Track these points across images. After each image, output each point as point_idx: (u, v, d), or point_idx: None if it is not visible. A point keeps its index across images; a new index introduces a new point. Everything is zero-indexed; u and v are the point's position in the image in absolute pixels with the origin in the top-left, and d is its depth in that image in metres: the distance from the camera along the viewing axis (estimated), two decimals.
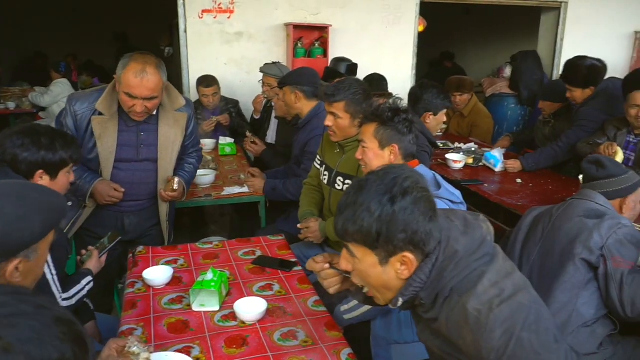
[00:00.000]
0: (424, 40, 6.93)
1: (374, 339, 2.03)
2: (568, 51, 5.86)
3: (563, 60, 5.83)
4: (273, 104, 3.76)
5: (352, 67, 4.34)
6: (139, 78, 2.15)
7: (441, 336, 1.25)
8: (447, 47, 8.38)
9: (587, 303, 1.88)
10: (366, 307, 1.90)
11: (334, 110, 2.44)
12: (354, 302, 1.94)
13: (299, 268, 2.16)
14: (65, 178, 1.90)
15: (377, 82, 3.90)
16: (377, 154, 1.99)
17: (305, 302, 1.89)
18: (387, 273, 1.19)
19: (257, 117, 4.23)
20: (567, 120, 3.73)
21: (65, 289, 1.81)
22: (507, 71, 5.73)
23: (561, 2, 5.74)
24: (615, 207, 1.98)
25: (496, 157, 3.58)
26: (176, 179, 2.46)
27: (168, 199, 2.50)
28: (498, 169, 3.55)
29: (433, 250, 1.19)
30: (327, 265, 1.41)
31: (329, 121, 2.46)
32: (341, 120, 2.44)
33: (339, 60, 4.43)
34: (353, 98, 2.41)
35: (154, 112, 2.38)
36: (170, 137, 2.44)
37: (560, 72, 5.61)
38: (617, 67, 5.09)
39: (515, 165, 3.55)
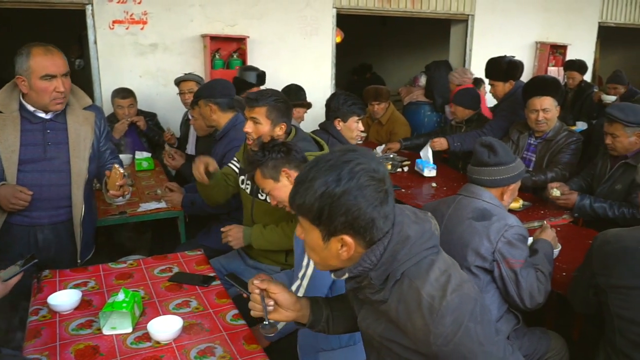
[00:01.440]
0: (343, 51, 7.09)
1: (300, 348, 2.02)
2: (476, 60, 6.21)
3: (473, 69, 6.18)
4: (191, 125, 3.67)
5: (262, 76, 4.31)
6: (49, 55, 2.18)
7: (385, 321, 1.25)
8: (366, 58, 8.62)
9: (490, 304, 1.96)
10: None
11: (255, 115, 2.42)
12: None
13: (218, 282, 2.11)
14: None
15: (294, 92, 3.94)
16: (278, 188, 2.01)
17: (223, 317, 1.86)
18: (328, 250, 1.20)
19: (174, 145, 4.15)
20: (478, 127, 3.96)
21: None
22: (422, 80, 5.97)
23: (468, 15, 6.08)
24: (496, 195, 2.04)
25: (426, 160, 3.72)
26: (116, 165, 2.33)
27: (119, 193, 2.33)
28: (430, 170, 3.68)
29: (383, 235, 1.19)
30: (257, 291, 1.40)
31: (248, 127, 2.44)
32: (261, 126, 2.43)
33: (246, 69, 4.37)
34: (275, 104, 2.42)
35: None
36: (81, 134, 2.35)
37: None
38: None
39: (442, 141, 3.80)
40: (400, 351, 1.24)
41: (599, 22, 7.06)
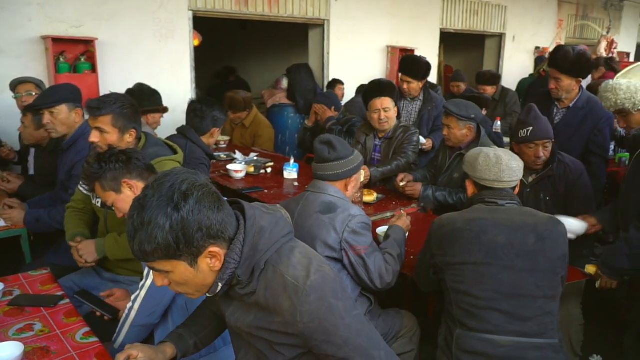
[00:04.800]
0: (205, 54, 6.96)
1: None
2: (334, 63, 6.50)
3: (331, 71, 6.48)
4: (20, 131, 3.33)
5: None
6: None
7: (255, 311, 1.30)
8: (229, 61, 8.55)
9: None
10: (126, 329, 1.83)
11: (100, 125, 2.30)
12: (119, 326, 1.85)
13: (67, 301, 1.97)
14: None
15: (148, 96, 3.71)
16: (121, 199, 1.95)
17: (72, 337, 1.75)
18: (201, 271, 1.21)
19: (14, 160, 3.77)
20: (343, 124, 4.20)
21: None
22: (284, 83, 6.08)
23: (324, 20, 6.32)
24: (340, 187, 2.17)
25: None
26: None
27: None
28: (290, 172, 3.73)
29: (236, 231, 1.24)
30: None
31: (94, 137, 2.31)
32: (108, 135, 2.32)
33: (142, 86, 4.21)
34: (121, 112, 2.32)
35: None
36: None
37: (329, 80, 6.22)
38: (375, 76, 5.77)
39: None
40: (270, 337, 1.30)
41: (441, 28, 7.77)
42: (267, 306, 1.27)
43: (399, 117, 3.93)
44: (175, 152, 2.47)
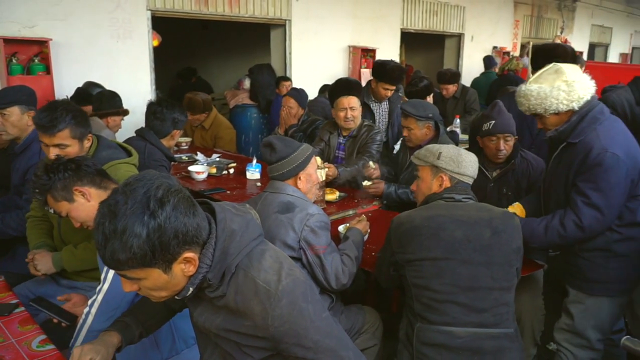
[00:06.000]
0: (166, 55, 6.86)
1: None
2: (297, 63, 6.51)
3: (294, 71, 6.48)
4: None
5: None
6: None
7: (224, 313, 1.30)
8: (191, 62, 8.46)
9: None
10: (83, 335, 1.80)
11: (60, 142, 2.23)
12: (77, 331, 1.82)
13: (22, 309, 1.92)
14: None
15: (108, 99, 3.71)
16: (74, 208, 1.91)
17: (28, 345, 1.70)
18: (174, 277, 1.19)
19: None
20: (309, 127, 4.20)
21: None
22: (247, 83, 6.06)
23: (285, 20, 6.32)
24: (292, 184, 2.18)
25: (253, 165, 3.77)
26: None
27: None
28: (252, 172, 3.72)
29: (208, 235, 1.23)
30: None
31: (54, 153, 2.22)
32: (70, 148, 2.27)
33: (92, 84, 4.19)
34: (75, 122, 2.26)
35: None
36: None
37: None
38: (337, 76, 5.80)
39: None
40: (239, 339, 1.30)
41: (401, 28, 7.88)
42: (237, 309, 1.26)
43: (373, 120, 3.99)
44: (129, 155, 2.43)
